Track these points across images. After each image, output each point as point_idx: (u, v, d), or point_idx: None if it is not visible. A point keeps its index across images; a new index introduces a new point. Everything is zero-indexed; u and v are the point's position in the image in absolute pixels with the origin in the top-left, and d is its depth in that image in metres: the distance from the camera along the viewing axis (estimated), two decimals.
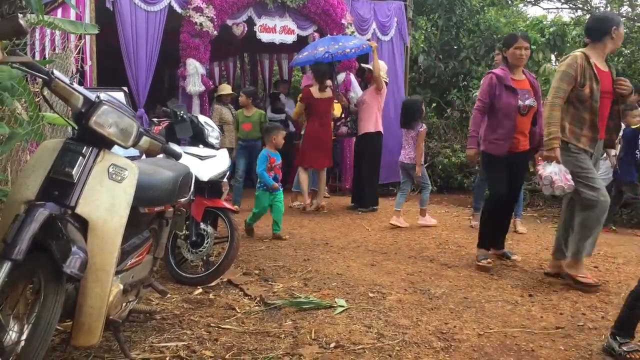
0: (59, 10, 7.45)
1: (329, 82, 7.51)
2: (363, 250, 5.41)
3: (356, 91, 8.57)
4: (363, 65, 8.18)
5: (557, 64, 10.34)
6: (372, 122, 7.55)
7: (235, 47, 11.53)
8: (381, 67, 7.66)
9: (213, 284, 4.23)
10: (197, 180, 3.95)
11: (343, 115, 8.02)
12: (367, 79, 7.99)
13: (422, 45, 10.70)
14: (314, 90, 7.44)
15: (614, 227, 6.81)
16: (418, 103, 6.98)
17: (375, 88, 7.54)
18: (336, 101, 7.87)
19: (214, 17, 7.61)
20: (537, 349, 3.06)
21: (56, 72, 2.29)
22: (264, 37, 8.38)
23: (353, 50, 7.98)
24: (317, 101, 7.41)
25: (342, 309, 3.65)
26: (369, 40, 8.73)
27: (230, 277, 4.36)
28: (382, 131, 7.68)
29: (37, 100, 3.40)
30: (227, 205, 4.43)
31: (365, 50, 7.93)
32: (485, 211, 5.01)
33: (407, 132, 6.85)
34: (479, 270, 4.64)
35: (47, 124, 3.91)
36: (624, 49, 9.75)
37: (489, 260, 4.74)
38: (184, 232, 4.05)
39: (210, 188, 4.42)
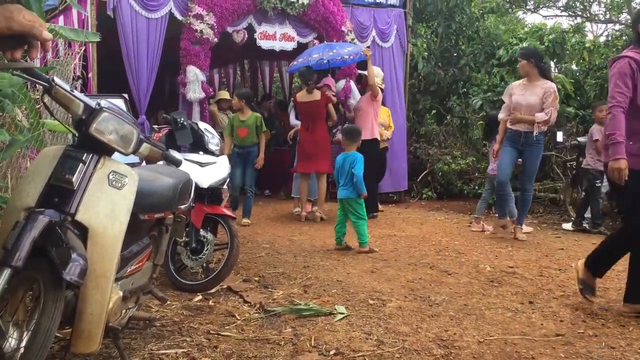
0: (61, 18, 7.48)
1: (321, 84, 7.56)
2: (363, 257, 5.40)
3: (356, 98, 8.57)
4: (360, 72, 8.20)
5: (556, 71, 10.39)
6: (368, 129, 7.56)
7: (235, 54, 11.56)
8: (377, 73, 7.68)
9: (213, 290, 4.23)
10: (197, 187, 3.95)
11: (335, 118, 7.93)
12: (364, 85, 8.00)
13: (424, 52, 10.73)
14: (300, 95, 7.52)
15: None
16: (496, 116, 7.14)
17: (370, 95, 7.57)
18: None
19: (215, 24, 7.64)
20: (537, 357, 3.06)
21: (57, 79, 2.30)
22: (264, 44, 8.40)
23: (351, 57, 8.00)
24: (300, 105, 7.49)
25: (341, 316, 3.64)
26: (367, 47, 8.76)
27: (230, 284, 4.36)
28: (378, 138, 7.70)
29: (37, 107, 3.41)
30: (227, 212, 4.43)
31: (362, 57, 7.94)
32: (619, 243, 3.92)
33: (490, 145, 7.15)
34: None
35: (48, 131, 3.92)
36: None
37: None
38: (183, 238, 4.05)
39: (210, 195, 4.42)
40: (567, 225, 7.23)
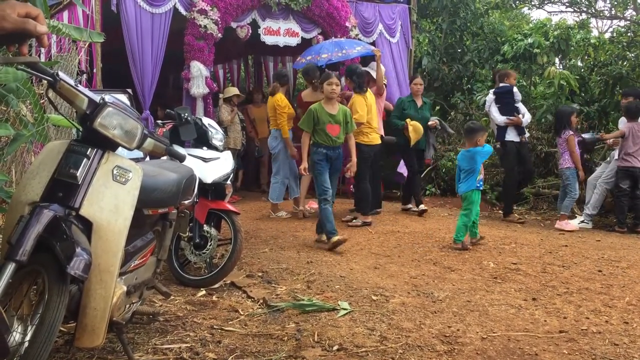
0: (65, 13, 7.48)
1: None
2: (366, 252, 5.40)
3: None
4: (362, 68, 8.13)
5: (561, 67, 10.35)
6: None
7: (239, 50, 11.55)
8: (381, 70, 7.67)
9: (216, 286, 4.24)
10: (200, 182, 3.96)
11: None
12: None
13: (425, 48, 10.69)
14: (305, 94, 7.38)
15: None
16: (567, 112, 7.27)
17: (376, 92, 7.55)
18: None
19: (219, 19, 7.64)
20: (540, 353, 3.05)
21: (61, 74, 2.30)
22: (268, 39, 8.39)
23: (356, 51, 7.97)
24: (306, 105, 7.24)
25: (345, 311, 3.65)
26: (373, 42, 8.75)
27: (234, 279, 4.37)
28: (383, 135, 7.67)
29: (42, 101, 3.41)
30: (231, 208, 4.44)
31: (368, 52, 7.91)
32: None
33: (558, 139, 7.26)
34: None
35: (52, 126, 3.92)
36: (628, 52, 9.72)
37: None
38: (187, 234, 4.06)
39: (214, 190, 4.42)
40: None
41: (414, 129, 7.43)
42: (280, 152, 7.40)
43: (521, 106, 7.54)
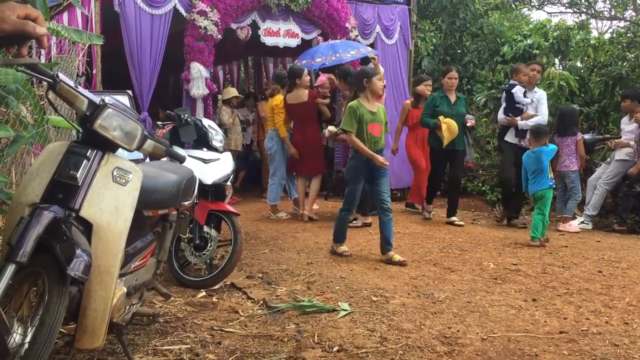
0: (65, 15, 7.48)
1: (306, 80, 7.16)
2: (366, 253, 5.40)
3: None
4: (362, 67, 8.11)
5: (560, 68, 10.35)
6: None
7: (239, 51, 11.56)
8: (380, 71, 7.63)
9: (216, 287, 4.24)
10: (200, 183, 3.96)
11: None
12: None
13: (430, 47, 10.71)
14: (288, 97, 7.22)
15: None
16: (573, 111, 7.24)
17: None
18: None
19: (218, 20, 7.63)
20: (540, 354, 3.05)
21: (61, 75, 2.30)
22: (268, 40, 8.39)
23: (350, 55, 7.94)
24: (290, 107, 7.20)
25: (345, 312, 3.65)
26: (371, 44, 8.74)
27: (234, 280, 4.37)
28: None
29: (41, 103, 3.41)
30: (231, 209, 4.44)
31: (363, 54, 7.88)
32: None
33: (562, 140, 7.14)
34: None
35: (52, 127, 3.92)
36: (627, 53, 9.72)
37: None
38: (187, 235, 4.06)
39: (214, 191, 4.43)
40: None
41: (448, 127, 6.74)
42: (276, 153, 7.35)
43: (541, 107, 7.01)
